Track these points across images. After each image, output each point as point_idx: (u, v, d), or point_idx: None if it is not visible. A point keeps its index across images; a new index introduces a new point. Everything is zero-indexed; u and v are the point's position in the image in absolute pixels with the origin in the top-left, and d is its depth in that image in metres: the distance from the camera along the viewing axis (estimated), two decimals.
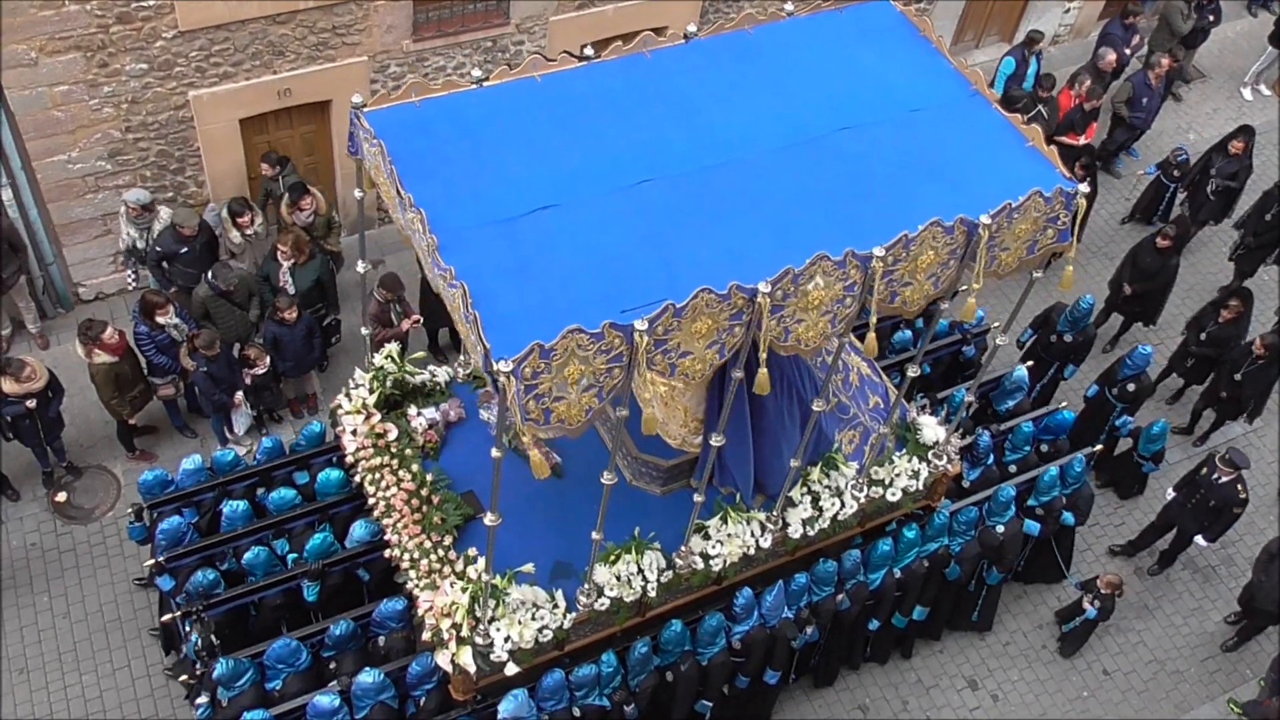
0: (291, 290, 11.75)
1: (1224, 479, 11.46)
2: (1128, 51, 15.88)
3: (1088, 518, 11.71)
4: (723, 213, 7.62)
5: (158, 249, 11.92)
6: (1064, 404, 11.92)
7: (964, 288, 8.06)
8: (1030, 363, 12.52)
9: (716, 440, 8.23)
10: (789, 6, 8.73)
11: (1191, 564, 12.78)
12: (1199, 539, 11.95)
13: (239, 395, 11.48)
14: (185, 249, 11.86)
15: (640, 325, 6.74)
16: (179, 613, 9.52)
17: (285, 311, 11.26)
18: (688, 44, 8.49)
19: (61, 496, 11.58)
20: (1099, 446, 11.97)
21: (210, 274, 11.51)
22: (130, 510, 10.09)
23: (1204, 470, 11.68)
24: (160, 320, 11.16)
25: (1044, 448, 11.72)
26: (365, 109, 7.71)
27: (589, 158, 7.76)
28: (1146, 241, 13.46)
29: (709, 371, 7.40)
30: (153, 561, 9.72)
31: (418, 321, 11.95)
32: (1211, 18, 16.57)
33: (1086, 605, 11.29)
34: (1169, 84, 16.10)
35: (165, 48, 11.36)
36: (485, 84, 7.98)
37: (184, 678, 9.66)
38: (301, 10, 11.61)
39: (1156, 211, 15.29)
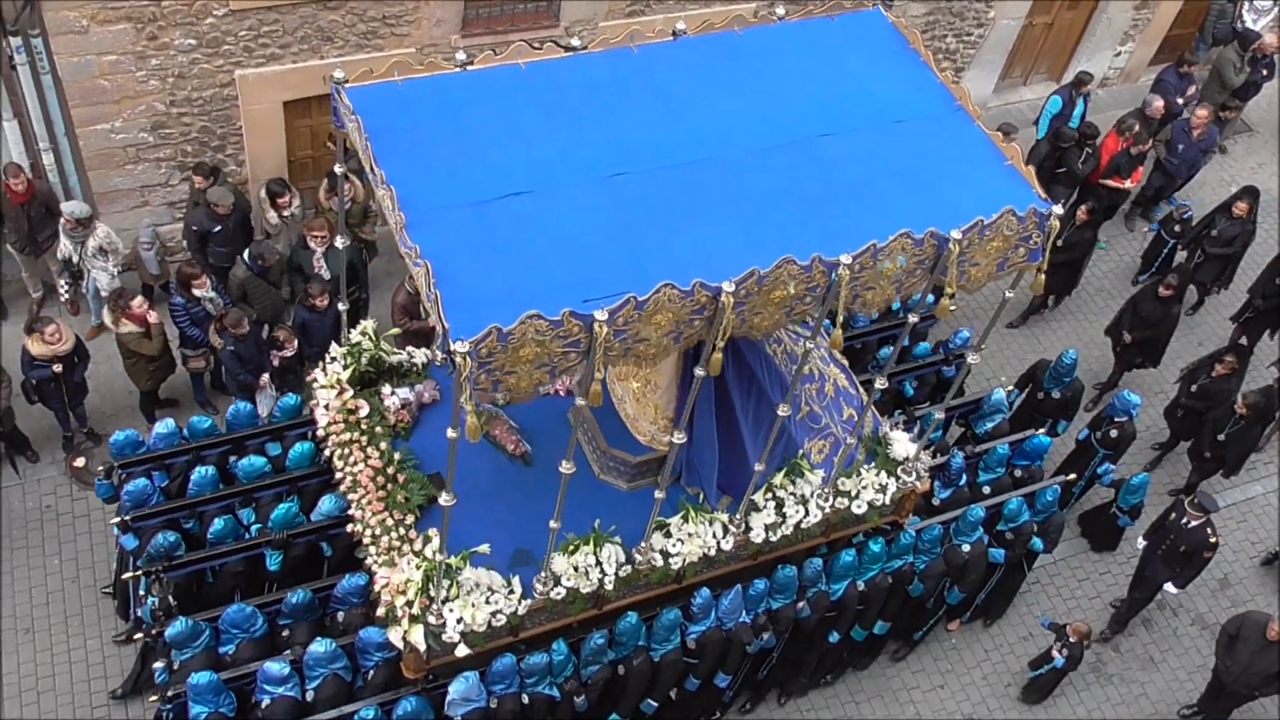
0: (327, 275, 11.76)
1: (1193, 523, 11.26)
2: (1180, 100, 15.70)
3: (1056, 545, 11.64)
4: (695, 209, 7.60)
5: (193, 226, 12.00)
6: (1040, 430, 11.83)
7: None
8: (1009, 387, 12.48)
9: (678, 437, 8.20)
10: (780, 10, 8.71)
11: (1200, 620, 12.63)
12: (1168, 586, 11.73)
13: (265, 377, 11.50)
14: (219, 227, 11.94)
15: (600, 315, 6.73)
16: (138, 572, 9.53)
17: (317, 298, 11.29)
18: (675, 41, 8.47)
19: (80, 462, 11.60)
20: (1072, 475, 11.90)
21: (248, 253, 11.61)
22: (101, 468, 10.10)
23: (1173, 515, 11.51)
24: (196, 293, 11.28)
25: (1018, 473, 11.64)
26: (347, 85, 7.71)
27: (566, 147, 7.74)
28: (1148, 289, 13.29)
29: (661, 355, 7.37)
30: (118, 519, 9.73)
31: None
32: (1265, 71, 16.36)
33: (1055, 653, 11.15)
34: (1216, 137, 15.81)
35: (215, 25, 11.40)
36: (469, 68, 7.97)
37: (137, 635, 9.65)
38: None
39: (1153, 266, 15.08)
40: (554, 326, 6.69)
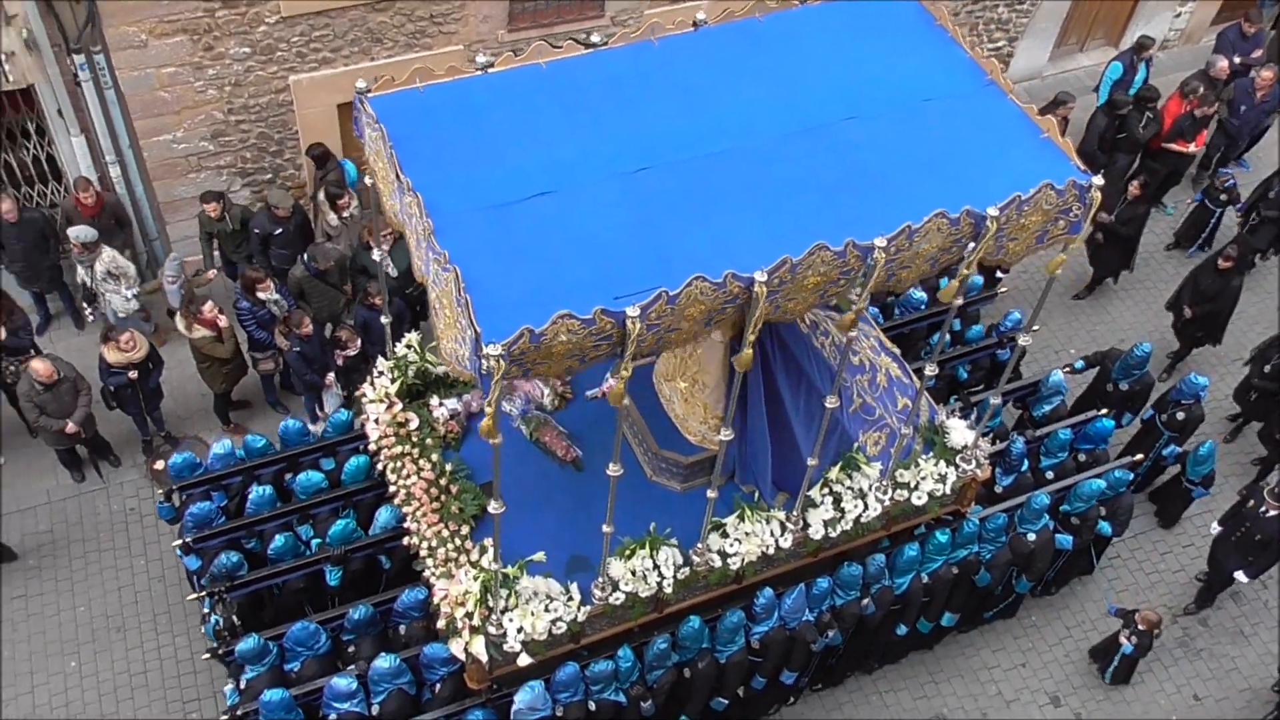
0: (394, 273, 11.76)
1: (1271, 512, 10.79)
2: (1242, 61, 15.14)
3: (1125, 529, 11.27)
4: (719, 200, 7.48)
5: (255, 230, 12.20)
6: (1105, 411, 11.49)
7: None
8: (1067, 368, 12.16)
9: (726, 434, 8.07)
10: None
11: None
12: (1239, 574, 11.28)
13: (330, 375, 11.67)
14: (280, 229, 12.13)
15: (633, 312, 6.63)
16: (203, 593, 9.62)
17: (375, 297, 11.31)
18: (696, 31, 8.37)
19: (159, 465, 11.74)
20: (1140, 455, 11.53)
21: (306, 255, 11.77)
22: (160, 492, 10.22)
23: (1250, 503, 11.04)
24: (261, 296, 11.44)
25: (1081, 456, 11.32)
26: (369, 94, 7.72)
27: (588, 144, 7.67)
28: (1207, 263, 12.85)
29: (692, 340, 7.30)
30: (180, 541, 9.83)
31: None
32: None
33: (1123, 640, 10.79)
34: None
35: (268, 32, 11.62)
36: (490, 70, 7.94)
37: (205, 655, 9.73)
38: None
39: (1199, 237, 14.62)
40: (586, 325, 6.60)
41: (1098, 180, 7.67)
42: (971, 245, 7.56)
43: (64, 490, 11.91)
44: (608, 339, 6.78)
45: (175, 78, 11.58)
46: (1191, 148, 14.52)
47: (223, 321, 11.37)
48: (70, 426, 10.96)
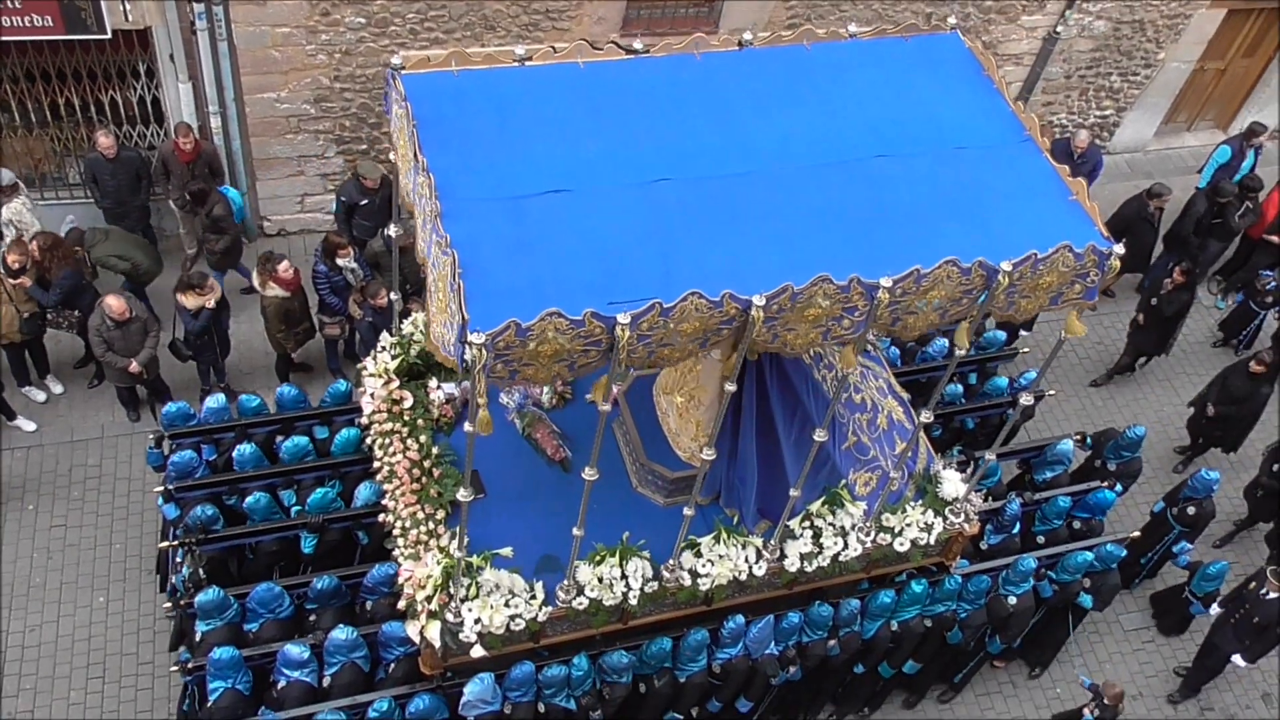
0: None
1: (1272, 594, 10.51)
2: None
3: (1108, 605, 10.98)
4: (735, 221, 7.27)
5: (342, 198, 12.21)
6: (1106, 483, 11.21)
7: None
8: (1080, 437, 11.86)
9: (708, 454, 7.88)
10: (852, 28, 8.36)
11: (1269, 696, 11.84)
12: (1236, 658, 10.99)
13: None
14: (366, 200, 12.10)
15: (623, 319, 6.46)
16: (175, 542, 9.51)
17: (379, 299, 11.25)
18: (741, 51, 8.17)
19: None
20: (1136, 533, 11.24)
21: (388, 228, 11.68)
22: (151, 435, 10.14)
23: (1252, 584, 10.76)
24: (340, 262, 11.48)
25: (1076, 524, 11.04)
26: (403, 70, 7.58)
27: (613, 148, 7.47)
28: (1240, 364, 12.51)
29: (685, 359, 7.10)
30: (161, 488, 9.73)
31: None
32: None
33: (1086, 712, 10.51)
34: None
35: (385, 6, 11.62)
36: (527, 63, 7.78)
37: (167, 605, 9.62)
38: None
39: (1239, 336, 14.28)
40: (574, 326, 6.43)
41: (1118, 249, 7.44)
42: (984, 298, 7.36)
43: (118, 427, 11.96)
44: (597, 344, 6.61)
45: (288, 38, 11.63)
46: None
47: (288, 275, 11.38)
48: (134, 366, 11.04)
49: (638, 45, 8.08)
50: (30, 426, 11.74)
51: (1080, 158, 13.66)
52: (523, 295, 6.55)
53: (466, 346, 6.35)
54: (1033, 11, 13.87)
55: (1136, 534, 11.30)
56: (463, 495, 7.58)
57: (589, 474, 7.61)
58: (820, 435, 8.07)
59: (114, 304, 10.68)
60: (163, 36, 11.43)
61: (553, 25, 12.21)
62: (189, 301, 11.06)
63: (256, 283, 11.47)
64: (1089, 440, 11.87)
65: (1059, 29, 14.12)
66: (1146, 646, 12.07)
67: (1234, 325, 14.38)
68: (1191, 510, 11.32)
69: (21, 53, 11.18)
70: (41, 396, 12.04)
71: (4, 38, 10.65)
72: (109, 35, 10.90)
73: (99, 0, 10.57)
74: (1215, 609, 11.12)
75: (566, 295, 6.51)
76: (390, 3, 11.57)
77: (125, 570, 10.94)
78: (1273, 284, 13.73)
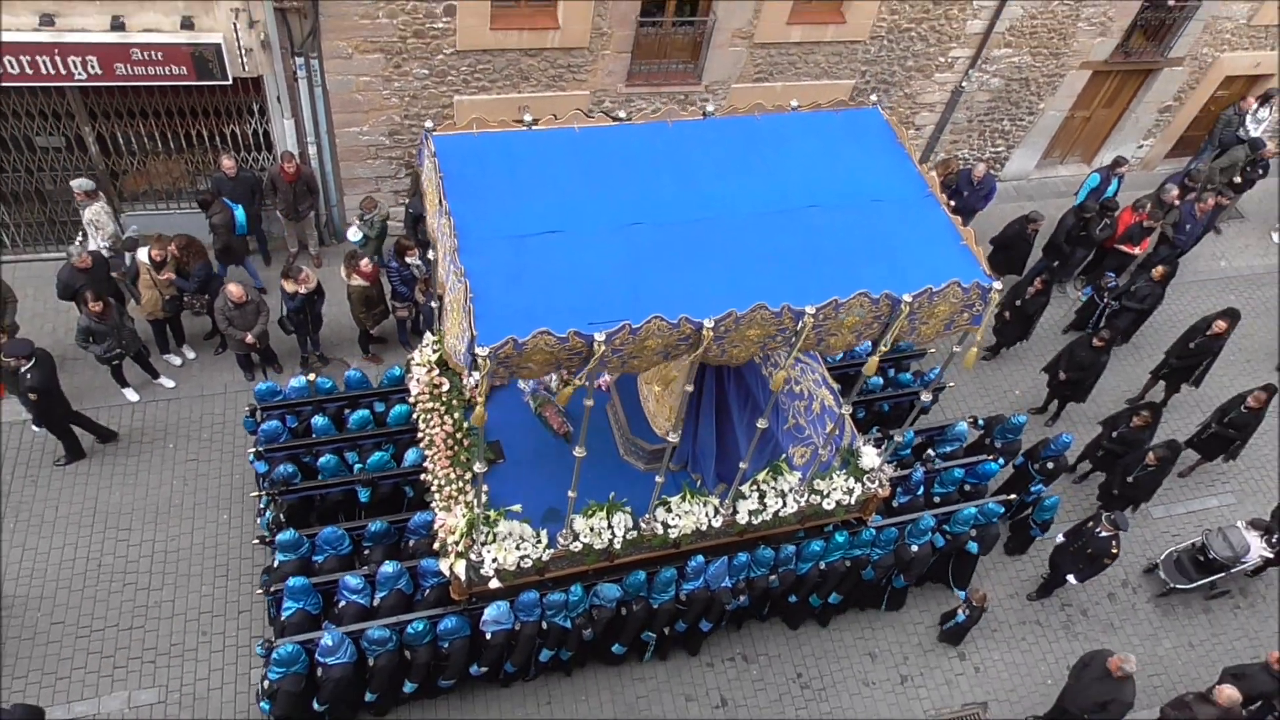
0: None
1: (1104, 533, 10.26)
2: (1190, 195, 14.63)
3: (990, 551, 10.67)
4: (694, 258, 6.95)
5: (410, 210, 11.97)
6: (991, 457, 10.87)
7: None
8: (973, 420, 11.51)
9: (673, 436, 7.60)
10: (794, 103, 7.98)
11: (1159, 600, 11.59)
12: (1070, 578, 10.72)
13: None
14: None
15: (599, 337, 6.20)
16: (263, 492, 9.29)
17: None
18: (704, 120, 7.82)
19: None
20: (1014, 495, 10.92)
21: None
22: (247, 407, 9.90)
23: (1089, 523, 10.50)
24: (408, 260, 11.30)
25: (966, 487, 10.71)
26: (434, 132, 7.26)
27: (598, 197, 7.16)
28: (1083, 339, 12.13)
29: (653, 367, 6.79)
30: (253, 450, 9.50)
31: None
32: (1262, 171, 15.29)
33: (959, 612, 10.28)
34: (1213, 219, 14.71)
35: (444, 60, 11.41)
36: (533, 128, 7.45)
37: (254, 541, 9.41)
38: (548, 49, 11.56)
39: (1086, 323, 13.91)
40: (561, 342, 6.17)
41: (997, 285, 7.07)
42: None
43: (237, 385, 11.76)
44: (579, 355, 6.33)
45: (368, 85, 11.46)
46: (1136, 250, 13.98)
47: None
48: (249, 338, 10.92)
49: (621, 114, 7.73)
50: (170, 384, 11.62)
51: (979, 184, 13.60)
52: (520, 316, 6.29)
53: (474, 357, 6.08)
54: (944, 70, 13.62)
55: (1013, 496, 10.96)
56: (478, 468, 7.34)
57: (578, 452, 7.36)
58: (762, 423, 7.78)
59: (234, 290, 10.56)
60: (271, 83, 11.26)
61: (574, 77, 11.90)
62: (288, 287, 10.91)
63: (343, 274, 11.36)
64: (980, 422, 11.51)
65: (964, 83, 13.86)
66: (1004, 561, 11.77)
67: (1084, 315, 14.06)
68: (1051, 465, 11.04)
69: (163, 94, 11.07)
70: (178, 361, 11.90)
71: (152, 83, 10.59)
72: (230, 81, 10.75)
73: (222, 55, 10.46)
74: (1060, 538, 10.85)
75: (555, 316, 6.26)
76: (448, 58, 11.37)
77: (244, 494, 10.75)
78: (1112, 283, 13.47)
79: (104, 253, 11.21)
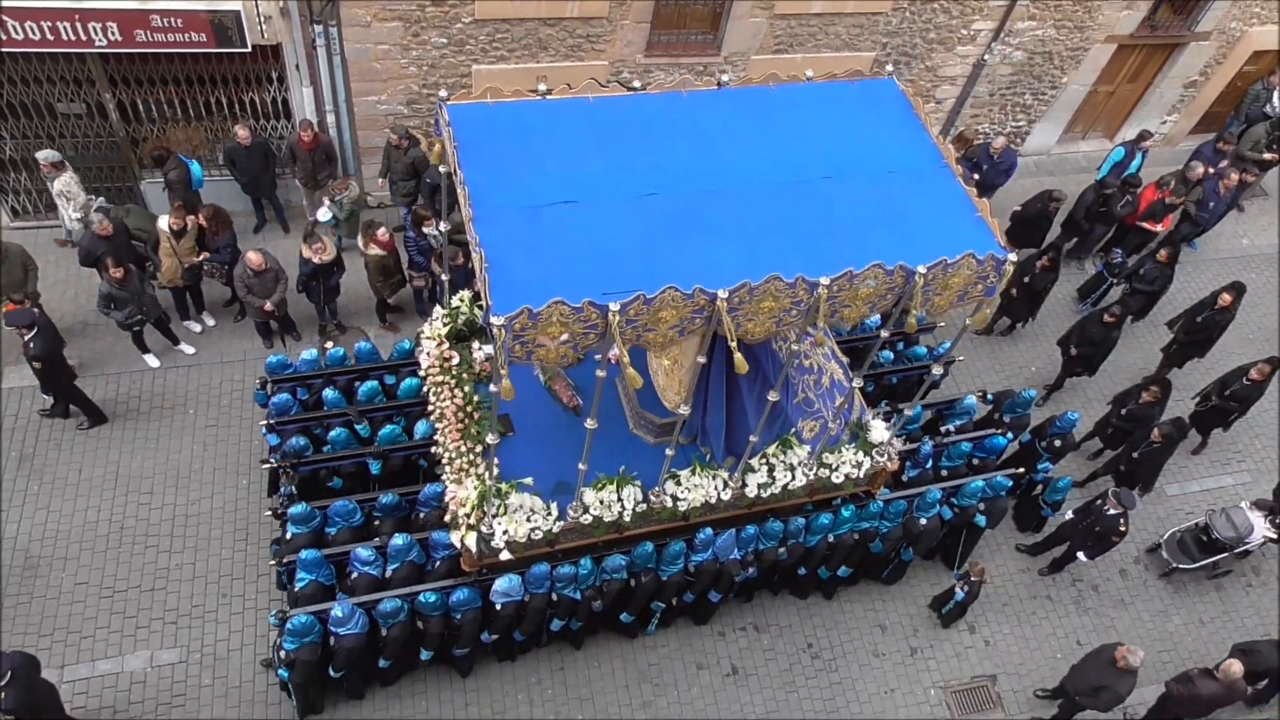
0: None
1: (1112, 511, 10.31)
2: (1212, 171, 14.42)
3: (998, 524, 10.73)
4: (709, 229, 6.93)
5: (428, 179, 11.91)
6: (999, 430, 10.90)
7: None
8: (981, 394, 11.52)
9: (683, 410, 7.63)
10: (808, 73, 7.95)
11: (1172, 578, 11.61)
12: (1081, 555, 10.78)
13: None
14: (448, 182, 11.75)
15: (614, 306, 6.21)
16: (275, 464, 9.35)
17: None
18: (719, 90, 7.78)
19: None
20: (1022, 469, 10.95)
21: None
22: (258, 380, 9.95)
23: (1098, 501, 10.55)
24: (425, 230, 11.27)
25: (975, 461, 10.73)
26: (448, 102, 7.24)
27: (613, 168, 7.13)
28: (1094, 315, 12.15)
29: (668, 344, 6.77)
30: (265, 422, 9.55)
31: None
32: None
33: (957, 590, 10.32)
34: (1236, 196, 14.65)
35: (462, 29, 11.34)
36: (548, 97, 7.43)
37: (267, 512, 9.49)
38: (567, 19, 11.48)
39: (1092, 295, 13.94)
40: (575, 312, 6.17)
41: (1012, 256, 7.08)
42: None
43: (256, 352, 11.83)
44: (594, 328, 6.34)
45: (387, 54, 11.41)
46: (1158, 227, 13.90)
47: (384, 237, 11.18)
48: (268, 305, 10.96)
49: (636, 84, 7.68)
50: (190, 350, 11.69)
51: (999, 159, 13.43)
52: (535, 286, 6.28)
53: (490, 326, 6.11)
54: (966, 43, 13.50)
55: (1022, 470, 10.99)
56: (490, 439, 7.37)
57: (590, 424, 7.37)
58: (773, 396, 7.78)
59: (253, 258, 10.59)
60: (290, 51, 11.24)
61: (592, 47, 11.83)
62: (305, 252, 10.97)
63: (360, 244, 11.35)
64: (989, 396, 11.53)
65: (986, 57, 13.73)
66: (1015, 536, 11.83)
67: (1088, 289, 14.05)
68: (1058, 443, 11.04)
69: (183, 62, 11.04)
70: (198, 328, 11.96)
71: (171, 50, 10.57)
72: (249, 49, 10.73)
73: (241, 22, 10.43)
74: (1069, 514, 10.91)
75: (570, 287, 6.25)
76: (466, 27, 11.31)
77: (262, 460, 10.84)
78: (1120, 260, 13.43)
79: (75, 223, 11.20)
